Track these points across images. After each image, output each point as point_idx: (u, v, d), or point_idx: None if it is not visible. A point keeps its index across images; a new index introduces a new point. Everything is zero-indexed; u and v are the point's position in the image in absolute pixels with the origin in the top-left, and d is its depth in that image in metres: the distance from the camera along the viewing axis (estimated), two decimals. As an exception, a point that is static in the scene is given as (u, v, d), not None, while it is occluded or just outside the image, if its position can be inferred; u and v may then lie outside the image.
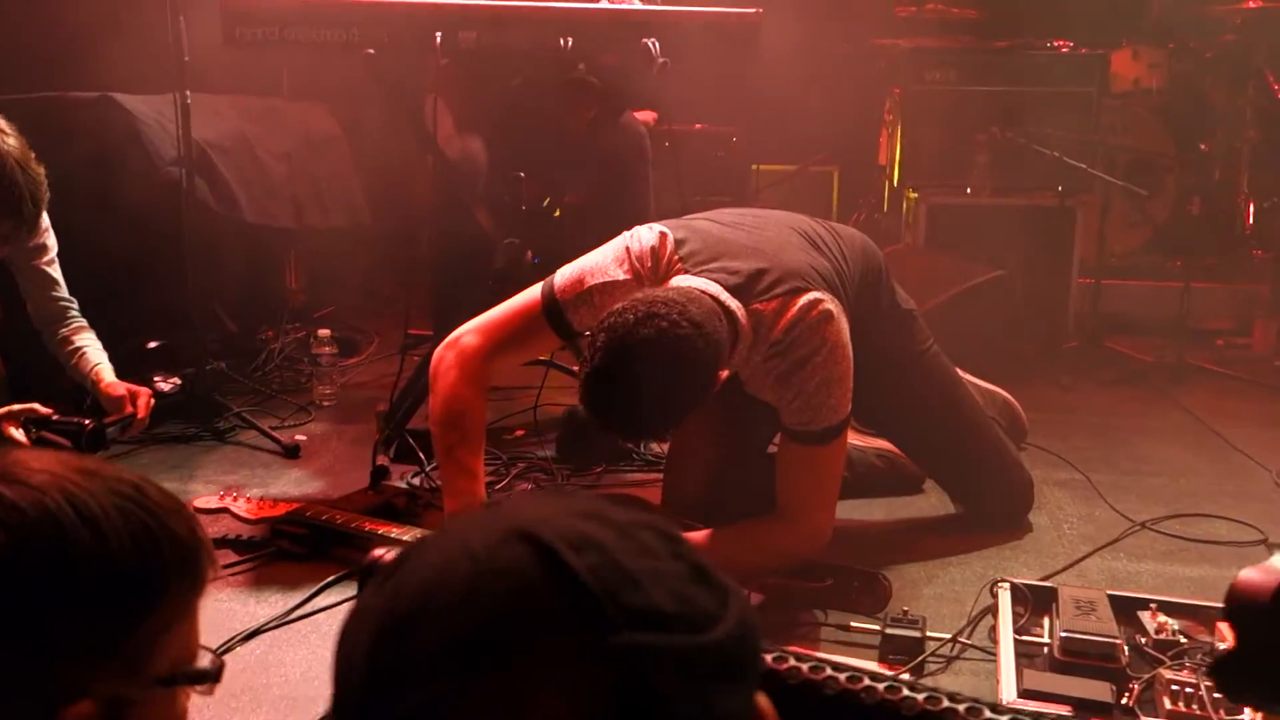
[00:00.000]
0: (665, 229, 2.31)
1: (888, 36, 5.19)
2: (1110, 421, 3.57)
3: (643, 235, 2.30)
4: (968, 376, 3.01)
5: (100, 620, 0.87)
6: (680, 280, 2.16)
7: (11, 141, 2.49)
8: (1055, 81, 4.50)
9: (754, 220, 2.42)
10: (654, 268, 2.25)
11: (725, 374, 2.06)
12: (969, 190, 4.49)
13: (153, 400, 2.81)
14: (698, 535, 2.21)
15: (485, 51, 2.92)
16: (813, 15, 5.21)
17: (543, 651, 0.62)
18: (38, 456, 0.91)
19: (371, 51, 2.85)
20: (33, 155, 2.54)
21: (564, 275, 2.33)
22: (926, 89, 4.61)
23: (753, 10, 2.98)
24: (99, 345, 2.94)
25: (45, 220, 2.83)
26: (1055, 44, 4.68)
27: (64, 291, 2.94)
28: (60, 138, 3.34)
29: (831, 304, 2.18)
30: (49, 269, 2.91)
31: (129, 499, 0.91)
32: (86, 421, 2.64)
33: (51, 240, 2.90)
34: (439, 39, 2.82)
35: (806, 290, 2.17)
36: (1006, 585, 2.14)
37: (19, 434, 2.61)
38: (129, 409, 2.77)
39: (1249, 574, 0.91)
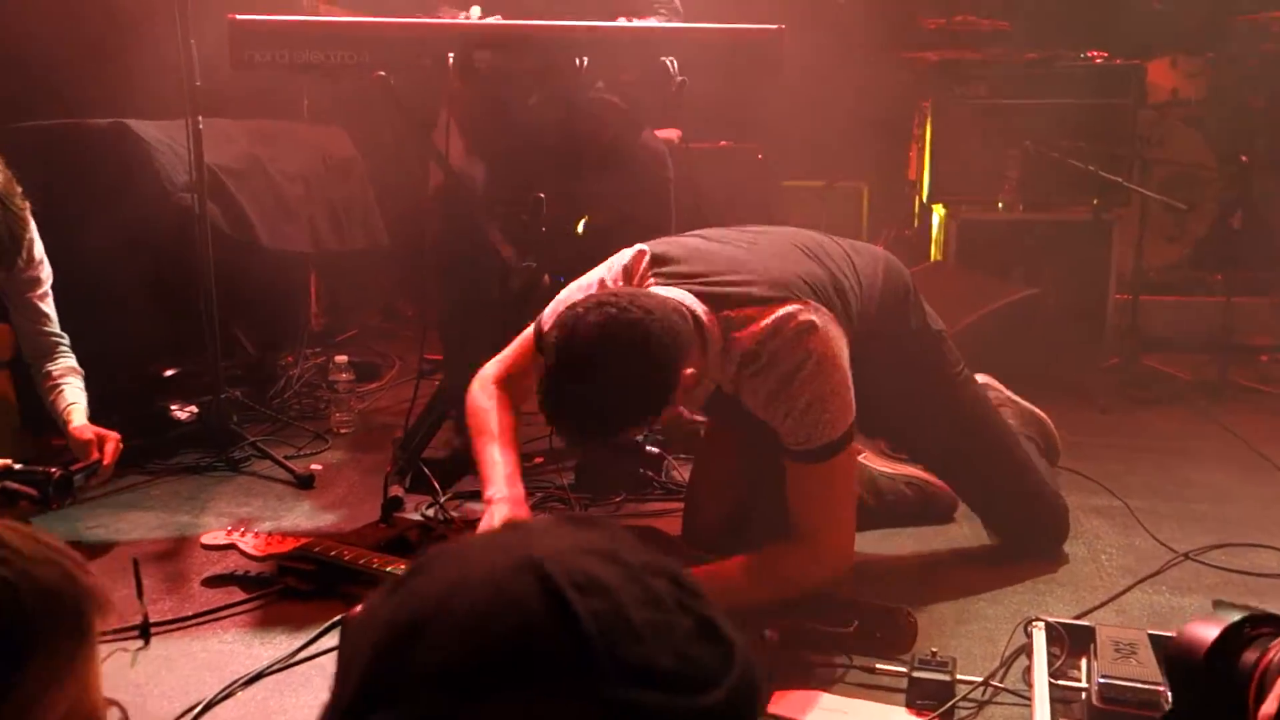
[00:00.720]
0: (645, 246, 2.27)
1: (916, 49, 5.11)
2: (1150, 444, 3.47)
3: (623, 255, 2.29)
4: (1005, 391, 2.94)
5: None
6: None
7: None
8: (1089, 93, 4.42)
9: (752, 235, 2.36)
10: (625, 283, 2.22)
11: (691, 372, 1.99)
12: (1001, 205, 4.40)
13: (120, 446, 2.77)
14: (712, 568, 2.14)
15: (500, 72, 2.87)
16: (839, 29, 5.16)
17: (535, 692, 0.63)
18: None
19: (383, 74, 2.81)
20: (18, 191, 2.50)
21: (553, 301, 2.30)
22: (956, 102, 4.54)
23: (774, 26, 2.93)
24: (80, 385, 2.89)
25: (39, 252, 2.80)
26: (1089, 55, 4.59)
27: (55, 326, 2.91)
28: (75, 165, 3.35)
29: (814, 314, 2.08)
30: (40, 303, 2.87)
31: (17, 548, 0.85)
32: (53, 470, 2.58)
33: (45, 273, 2.87)
34: (452, 60, 2.78)
35: (785, 301, 2.08)
36: (1041, 624, 2.05)
37: None
38: (95, 454, 2.72)
39: (1191, 628, 0.87)
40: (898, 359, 2.36)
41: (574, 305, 1.96)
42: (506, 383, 2.38)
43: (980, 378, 2.89)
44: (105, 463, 2.73)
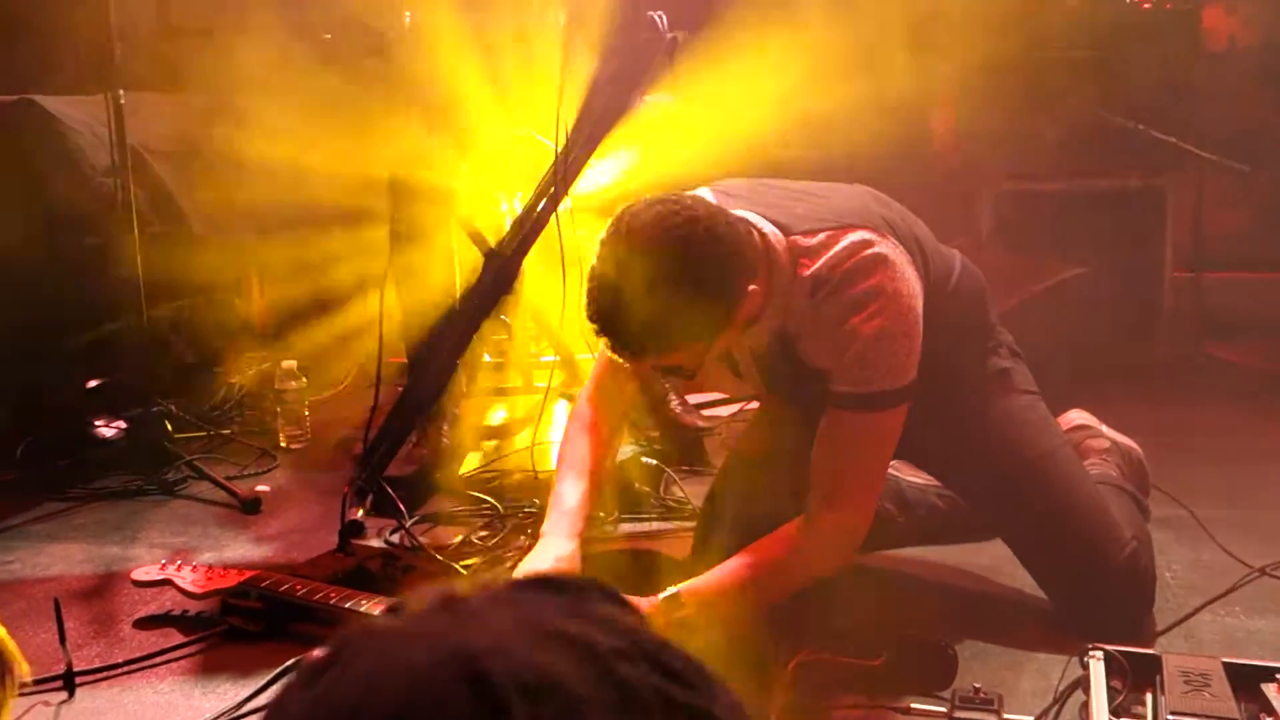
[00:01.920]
0: (705, 189, 2.25)
1: (939, -2, 5.09)
2: (1217, 444, 3.46)
3: None
4: (1102, 428, 2.86)
5: None
6: None
7: None
8: (1138, 43, 4.39)
9: (818, 186, 2.35)
10: None
11: (755, 290, 2.02)
12: (1041, 174, 4.38)
13: None
14: (713, 574, 2.13)
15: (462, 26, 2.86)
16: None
17: None
18: None
19: (328, 36, 2.79)
20: None
21: None
22: (990, 59, 4.51)
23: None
24: None
25: None
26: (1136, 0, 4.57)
27: None
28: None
29: (889, 248, 2.10)
30: None
31: None
32: None
33: None
34: (409, 19, 2.77)
35: (859, 228, 2.11)
36: (1099, 653, 2.02)
37: None
38: None
39: None
40: (954, 374, 2.34)
41: (628, 205, 1.99)
42: (601, 396, 2.41)
43: (1074, 415, 2.87)
44: None
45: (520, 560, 2.26)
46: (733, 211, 2.09)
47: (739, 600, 2.09)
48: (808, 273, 2.09)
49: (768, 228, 2.11)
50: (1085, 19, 4.46)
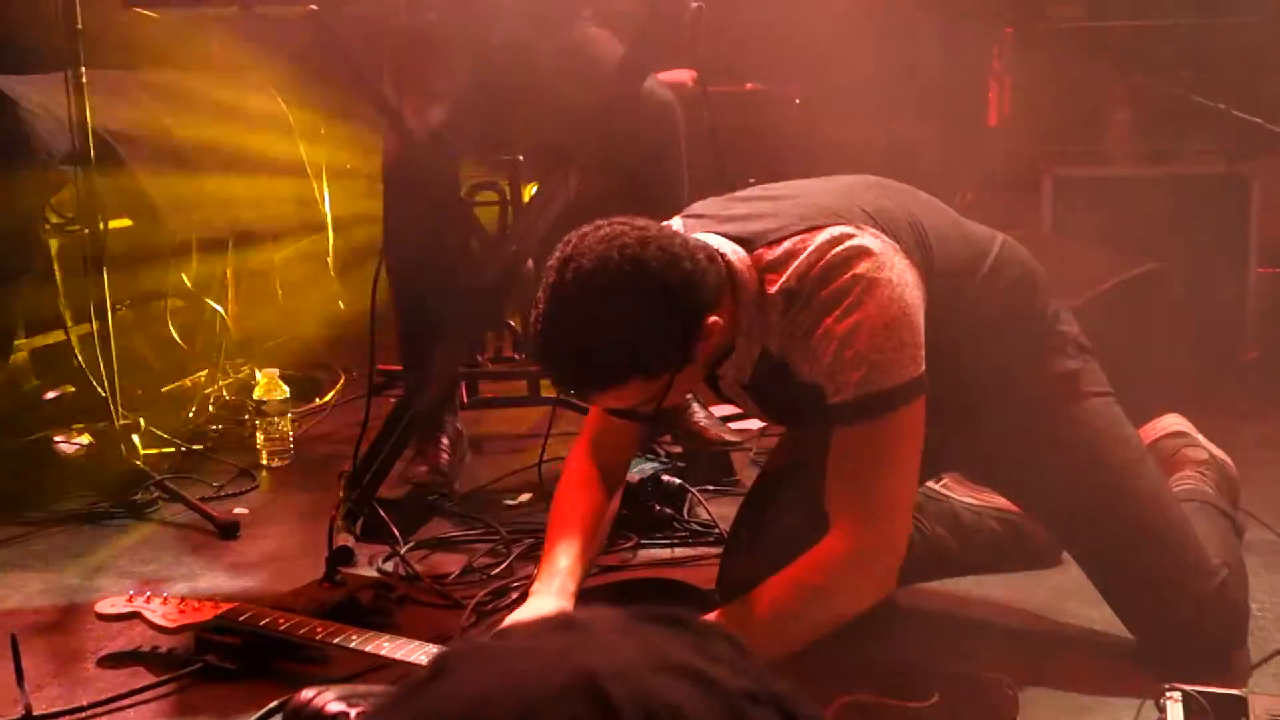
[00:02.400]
0: (677, 219, 2.29)
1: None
2: (1308, 459, 3.43)
3: None
4: (1200, 439, 2.84)
5: None
6: None
7: None
8: (1216, 10, 4.40)
9: (808, 181, 2.37)
10: None
11: (716, 321, 2.02)
12: (1107, 158, 4.38)
13: None
14: (733, 608, 2.12)
15: (461, 5, 2.88)
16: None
17: None
18: None
19: (315, 8, 2.82)
20: None
21: None
22: (1048, 28, 4.53)
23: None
24: None
25: None
26: (1217, -41, 4.58)
27: None
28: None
29: (868, 239, 2.08)
30: None
31: None
32: None
33: None
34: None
35: (824, 226, 2.10)
36: (1178, 694, 2.03)
37: None
38: None
39: None
40: (1005, 375, 2.33)
41: (579, 229, 2.02)
42: (597, 445, 2.42)
43: (1170, 421, 2.86)
44: None
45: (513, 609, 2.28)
46: (693, 236, 2.11)
47: (763, 642, 2.01)
48: (775, 289, 2.09)
49: (729, 248, 2.11)
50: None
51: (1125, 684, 2.27)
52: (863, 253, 2.06)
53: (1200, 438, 2.81)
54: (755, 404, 2.35)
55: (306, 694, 1.28)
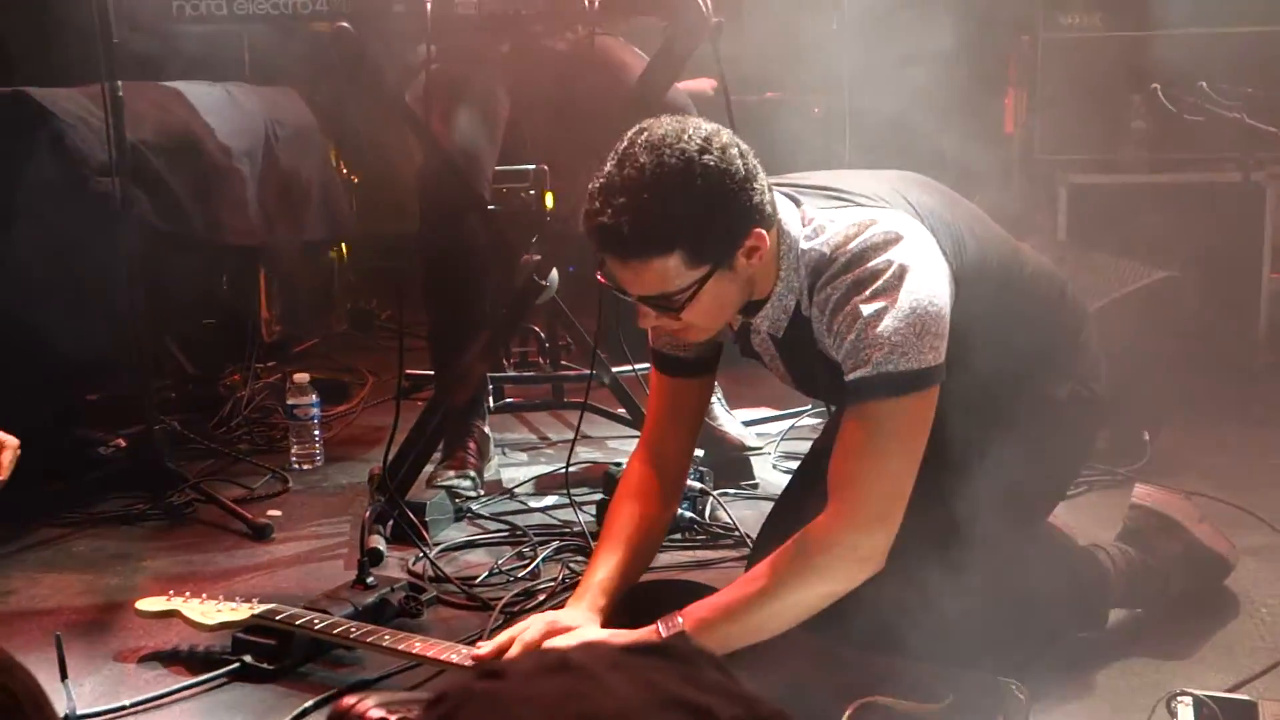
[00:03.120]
0: None
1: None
2: (1320, 465, 3.45)
3: None
4: (1188, 519, 2.70)
5: None
6: None
7: None
8: (1232, 20, 4.39)
9: (850, 173, 2.40)
10: None
11: (761, 233, 2.06)
12: (1123, 166, 4.39)
13: (19, 452, 2.81)
14: (732, 587, 2.14)
15: (488, 19, 2.91)
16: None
17: None
18: None
19: (345, 25, 2.85)
20: None
21: None
22: (1064, 37, 4.54)
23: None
24: None
25: None
26: (1232, -30, 4.57)
27: None
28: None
29: (906, 227, 2.11)
30: None
31: None
32: None
33: None
34: (430, 5, 2.82)
35: (866, 207, 2.16)
36: (1188, 699, 2.05)
37: None
38: None
39: None
40: (1010, 376, 2.32)
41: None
42: (650, 443, 2.44)
43: (1179, 505, 2.72)
44: (2, 476, 2.78)
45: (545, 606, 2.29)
46: None
47: (748, 622, 2.08)
48: (809, 246, 2.13)
49: (781, 198, 2.16)
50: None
51: (1136, 688, 2.30)
52: (899, 239, 2.08)
53: (1198, 531, 2.67)
54: (782, 362, 2.35)
55: (349, 700, 1.33)
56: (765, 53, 4.85)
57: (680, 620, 2.09)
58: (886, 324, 2.03)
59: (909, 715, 2.14)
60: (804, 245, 2.14)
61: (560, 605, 2.42)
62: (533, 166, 3.53)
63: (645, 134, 2.03)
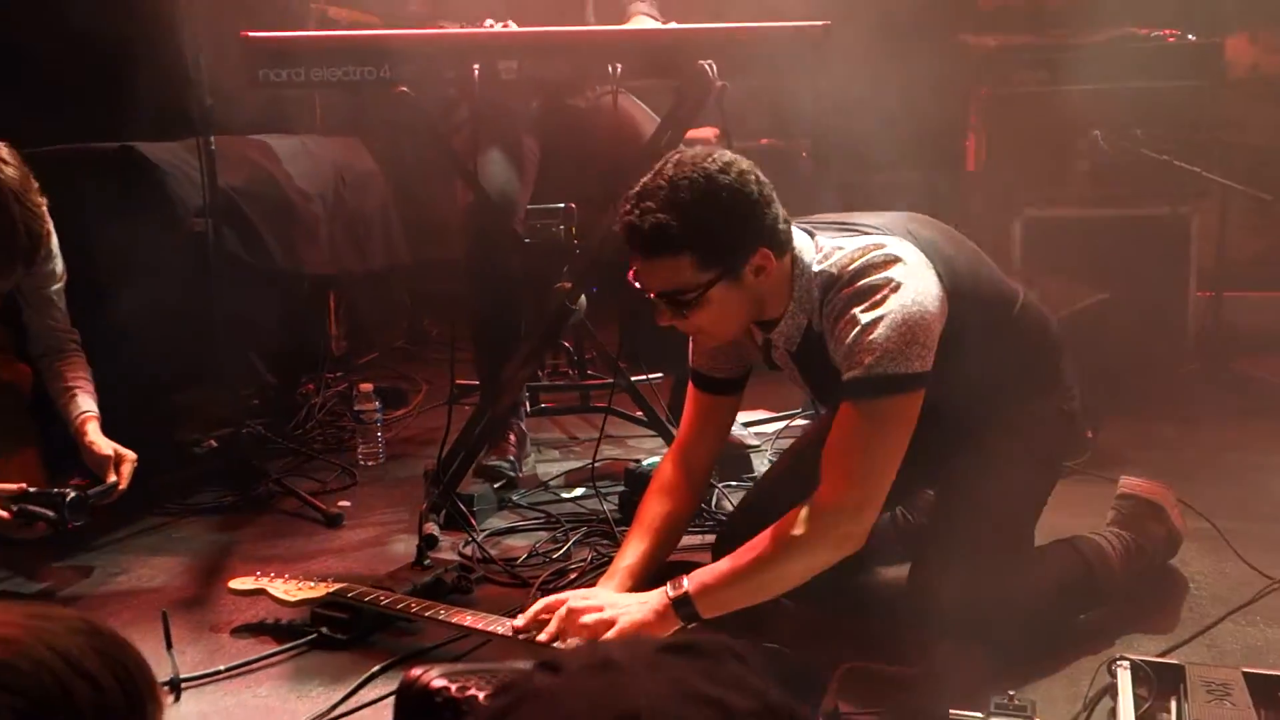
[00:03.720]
0: None
1: (972, 32, 5.11)
2: (1240, 458, 3.45)
3: None
4: (1168, 504, 2.70)
5: None
6: None
7: (10, 171, 2.58)
8: (1163, 75, 4.40)
9: (860, 213, 2.40)
10: None
11: (769, 256, 2.10)
12: (1069, 201, 4.39)
13: (135, 465, 2.86)
14: (717, 565, 2.14)
15: (526, 82, 2.93)
16: (887, 13, 5.17)
17: None
18: (1, 611, 0.96)
19: (405, 89, 2.87)
20: (35, 186, 2.62)
21: None
22: (1017, 91, 4.54)
23: (820, 23, 2.95)
24: (91, 388, 3.00)
25: (54, 247, 2.89)
26: (1161, 33, 4.57)
27: (65, 321, 3.04)
28: (81, 191, 3.43)
29: (905, 251, 2.14)
30: (55, 296, 3.00)
31: (95, 640, 0.97)
32: (67, 492, 2.71)
33: (60, 268, 2.99)
34: (477, 71, 2.84)
35: (872, 234, 2.19)
36: (1126, 663, 2.06)
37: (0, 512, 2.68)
38: (111, 475, 2.82)
39: None
40: (1000, 394, 2.35)
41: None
42: (682, 448, 2.47)
43: (1161, 492, 2.71)
44: (121, 485, 2.82)
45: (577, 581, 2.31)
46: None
47: (744, 587, 2.09)
48: (819, 268, 2.16)
49: (797, 230, 2.20)
50: (1113, 56, 4.46)
51: (1082, 654, 2.31)
52: (897, 260, 2.11)
53: (1173, 514, 2.69)
54: (800, 373, 2.36)
55: (415, 671, 1.34)
56: (760, 104, 4.86)
57: (685, 583, 2.10)
58: (879, 332, 2.05)
59: (888, 678, 2.15)
60: (815, 268, 2.17)
61: (591, 583, 2.43)
62: (562, 206, 3.54)
63: (678, 155, 2.10)
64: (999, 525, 2.35)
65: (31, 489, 2.74)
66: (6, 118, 3.39)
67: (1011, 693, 2.01)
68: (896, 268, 2.10)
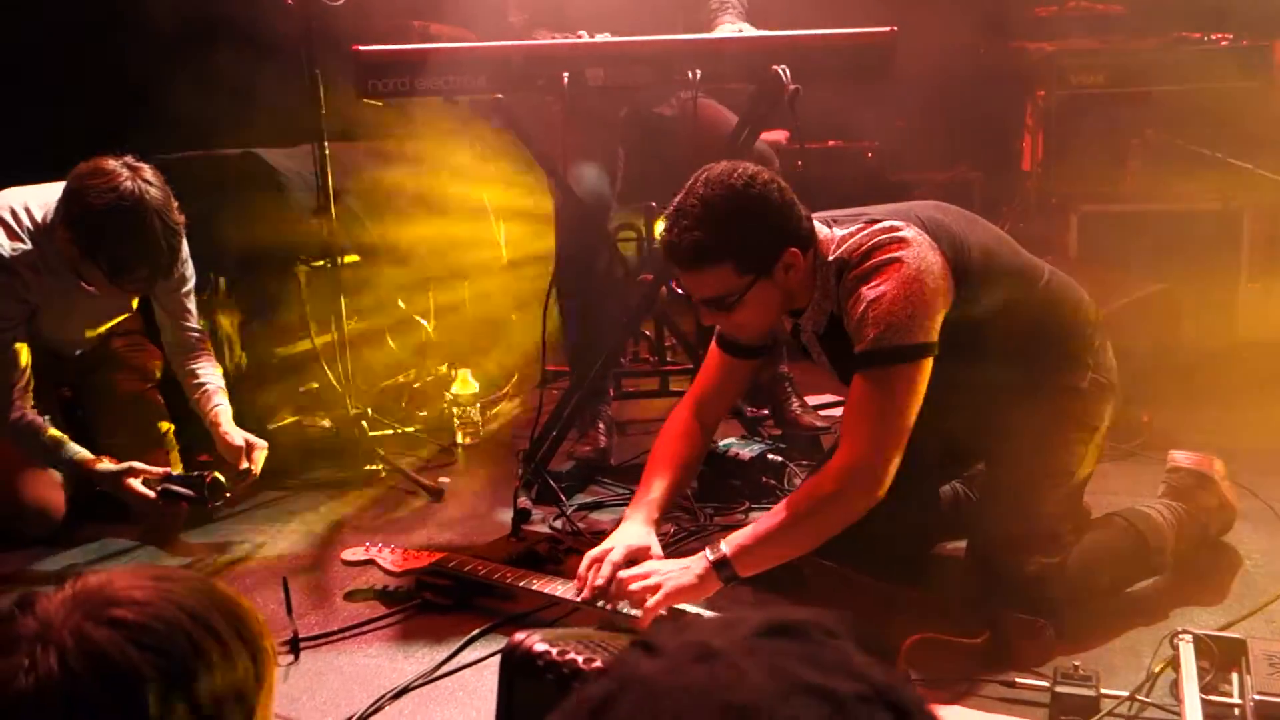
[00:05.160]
0: None
1: (1029, 39, 4.98)
2: (1292, 441, 3.31)
3: None
4: (1219, 475, 2.61)
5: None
6: None
7: (154, 191, 2.62)
8: (1214, 77, 4.24)
9: (883, 205, 2.36)
10: None
11: (796, 253, 2.13)
12: (1124, 197, 4.26)
13: (266, 453, 2.89)
14: (751, 527, 2.12)
15: (614, 88, 2.90)
16: (949, 19, 5.06)
17: None
18: (118, 576, 0.96)
19: (500, 97, 2.86)
20: (175, 204, 2.66)
21: None
22: (1072, 93, 4.41)
23: (887, 29, 2.88)
24: (221, 383, 3.05)
25: (185, 253, 2.92)
26: (1213, 37, 4.41)
27: (195, 321, 3.08)
28: (210, 193, 3.47)
29: (909, 233, 2.13)
30: (185, 299, 3.04)
31: (214, 598, 0.98)
32: (207, 475, 2.77)
33: (190, 273, 3.03)
34: (566, 78, 2.81)
35: (883, 220, 2.18)
36: (1189, 637, 1.97)
37: (144, 489, 2.75)
38: (244, 463, 2.86)
39: None
40: (1034, 362, 2.30)
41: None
42: (699, 401, 2.47)
43: (1215, 466, 2.61)
44: (254, 471, 2.86)
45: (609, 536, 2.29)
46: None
47: (778, 543, 2.08)
48: (833, 256, 2.17)
49: (820, 225, 2.22)
50: (1166, 60, 4.31)
51: (1141, 627, 2.23)
52: (900, 241, 2.11)
53: (1223, 485, 2.59)
54: (826, 355, 2.35)
55: (519, 636, 1.32)
56: (829, 108, 4.78)
57: (723, 546, 2.09)
58: (883, 306, 2.07)
59: (955, 648, 2.09)
60: (831, 257, 2.19)
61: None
62: (642, 205, 3.50)
63: (705, 174, 2.12)
64: (1046, 495, 2.30)
65: (174, 473, 2.81)
66: (144, 127, 3.45)
67: (1077, 664, 1.95)
68: (897, 247, 2.11)
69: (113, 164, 2.60)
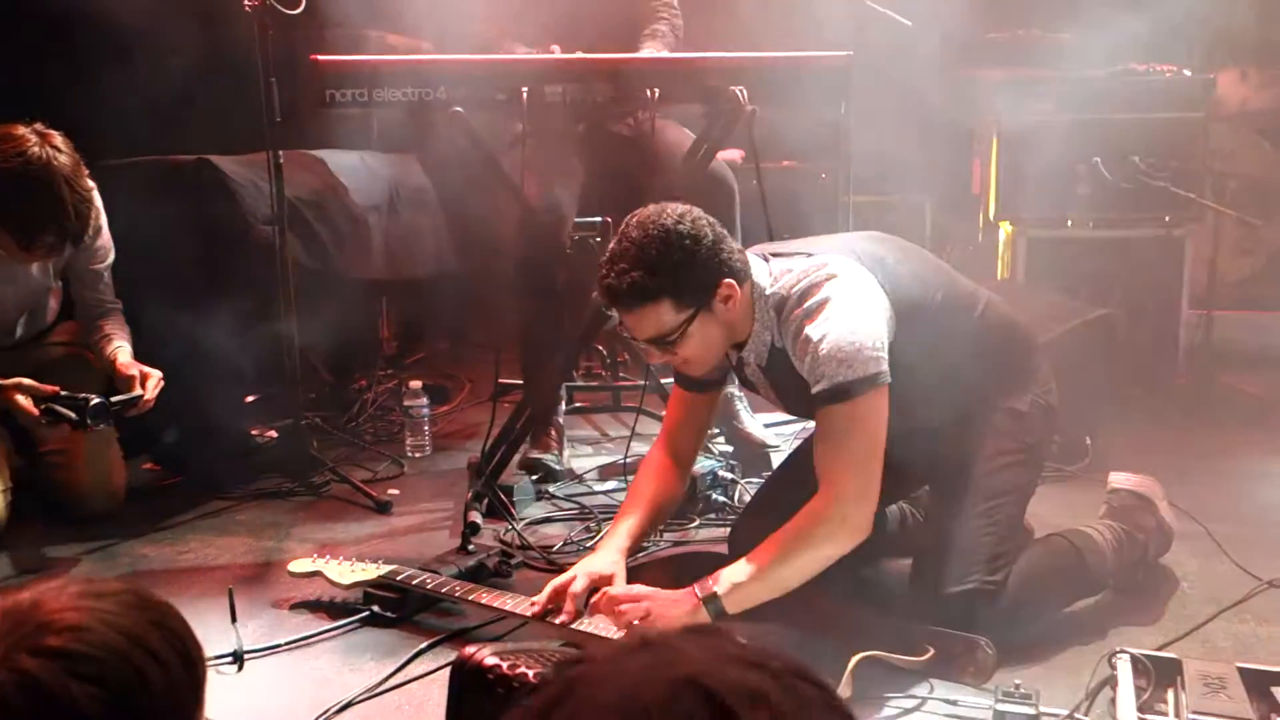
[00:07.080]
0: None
1: (981, 66, 5.07)
2: (1229, 466, 3.40)
3: None
4: (1156, 496, 2.66)
5: None
6: None
7: (63, 158, 2.68)
8: (1159, 107, 4.34)
9: (823, 237, 2.44)
10: None
11: (732, 285, 2.16)
12: (1069, 223, 4.35)
13: (161, 383, 2.93)
14: (740, 565, 2.12)
15: (572, 105, 2.92)
16: (903, 45, 5.13)
17: None
18: (48, 596, 0.93)
19: (459, 110, 2.86)
20: (85, 172, 2.72)
21: None
22: (1021, 120, 4.49)
23: (843, 54, 2.93)
24: (126, 334, 3.09)
25: (103, 225, 2.99)
26: (1159, 68, 4.52)
27: (110, 295, 3.12)
28: (161, 199, 3.44)
29: (845, 267, 2.19)
30: (101, 271, 3.09)
31: (149, 613, 0.97)
32: (91, 397, 2.76)
33: (107, 244, 3.07)
34: (525, 94, 2.83)
35: (816, 255, 2.23)
36: (1126, 656, 2.02)
37: (27, 403, 2.74)
38: (136, 388, 2.88)
39: None
40: (973, 388, 2.35)
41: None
42: (669, 437, 2.51)
43: (1149, 485, 2.67)
44: (146, 397, 2.89)
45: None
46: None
47: (766, 583, 2.10)
48: (772, 290, 2.23)
49: (755, 258, 2.27)
50: (1112, 89, 4.40)
51: (1081, 647, 2.27)
52: (835, 276, 2.17)
53: (1161, 507, 2.65)
54: (770, 388, 2.39)
55: (469, 650, 1.33)
56: (784, 129, 4.83)
57: (711, 583, 2.10)
58: (830, 344, 2.11)
59: (899, 667, 2.12)
60: (769, 290, 2.24)
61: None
62: (599, 220, 3.52)
63: (636, 217, 2.16)
64: (989, 515, 2.33)
65: (64, 393, 2.78)
66: (92, 130, 3.40)
67: (1018, 682, 1.98)
68: (834, 283, 2.17)
69: (22, 130, 2.67)
